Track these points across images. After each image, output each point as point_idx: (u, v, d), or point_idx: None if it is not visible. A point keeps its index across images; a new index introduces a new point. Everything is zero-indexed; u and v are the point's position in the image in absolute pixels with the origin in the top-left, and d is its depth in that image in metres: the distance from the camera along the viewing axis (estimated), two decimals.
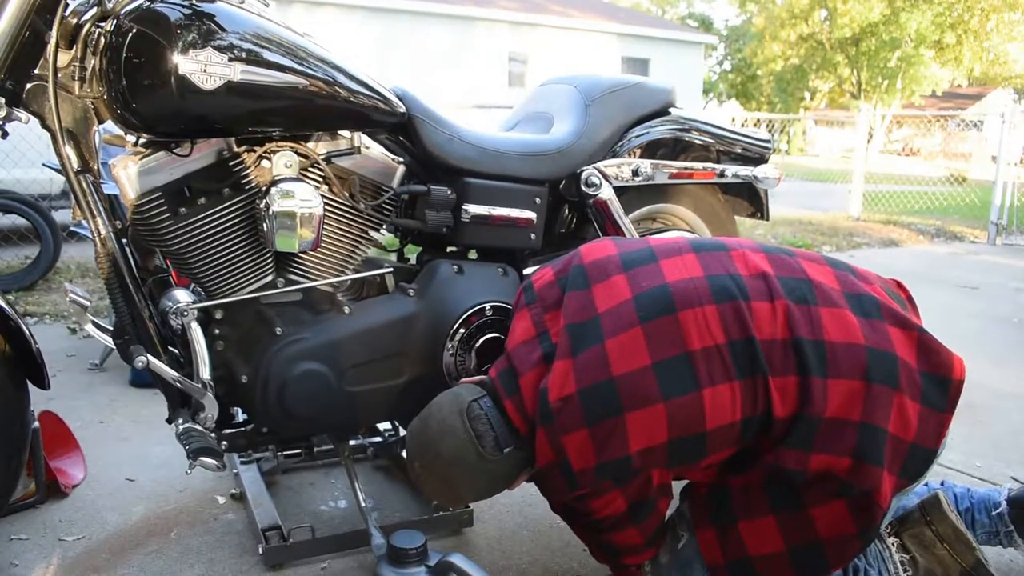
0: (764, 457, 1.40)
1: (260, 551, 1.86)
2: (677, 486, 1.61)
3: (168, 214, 1.58)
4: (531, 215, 1.93)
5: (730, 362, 1.36)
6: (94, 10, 1.55)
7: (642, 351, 1.36)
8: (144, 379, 3.04)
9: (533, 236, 1.95)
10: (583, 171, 1.98)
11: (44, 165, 4.58)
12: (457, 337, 1.81)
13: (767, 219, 2.41)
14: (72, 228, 3.97)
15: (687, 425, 1.35)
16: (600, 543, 1.60)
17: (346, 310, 1.77)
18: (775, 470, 1.39)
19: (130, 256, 1.67)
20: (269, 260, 1.70)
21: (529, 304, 1.55)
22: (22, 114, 1.55)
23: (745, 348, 1.37)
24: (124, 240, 1.66)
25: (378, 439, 2.21)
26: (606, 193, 1.99)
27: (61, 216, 5.25)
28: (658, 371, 1.35)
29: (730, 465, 1.47)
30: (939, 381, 1.44)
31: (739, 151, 2.22)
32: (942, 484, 1.78)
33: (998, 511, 1.72)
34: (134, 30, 1.45)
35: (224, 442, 1.77)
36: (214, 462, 1.59)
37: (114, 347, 1.75)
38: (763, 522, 1.43)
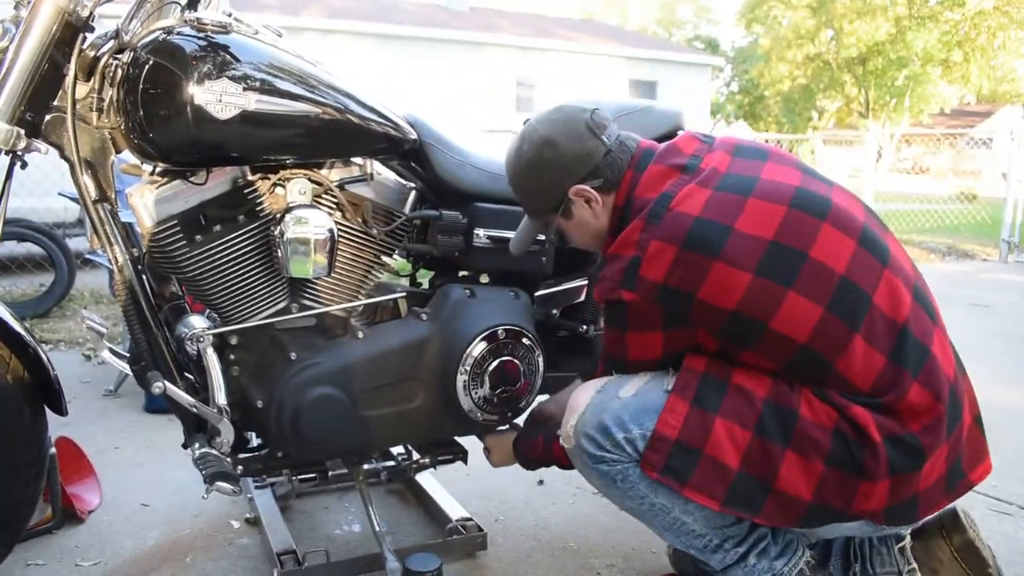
0: (801, 390, 1.41)
1: (275, 575, 1.87)
2: None
3: (184, 241, 1.60)
4: (542, 239, 1.94)
5: (833, 293, 1.38)
6: (111, 43, 1.59)
7: (772, 226, 1.40)
8: (158, 405, 3.05)
9: (544, 259, 1.97)
10: None
11: (60, 194, 4.62)
12: (470, 361, 1.82)
13: None
14: (87, 256, 4.00)
15: (756, 308, 1.38)
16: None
17: (360, 335, 1.78)
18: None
19: (146, 283, 1.69)
20: (283, 286, 1.72)
21: (702, 139, 1.60)
22: (41, 145, 1.58)
23: (852, 295, 1.39)
24: (140, 267, 1.69)
25: (391, 463, 2.21)
26: None
27: (75, 244, 5.30)
28: (770, 249, 1.38)
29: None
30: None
31: None
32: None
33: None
34: (150, 62, 1.48)
35: (239, 467, 1.78)
36: (230, 486, 1.60)
37: (130, 373, 1.77)
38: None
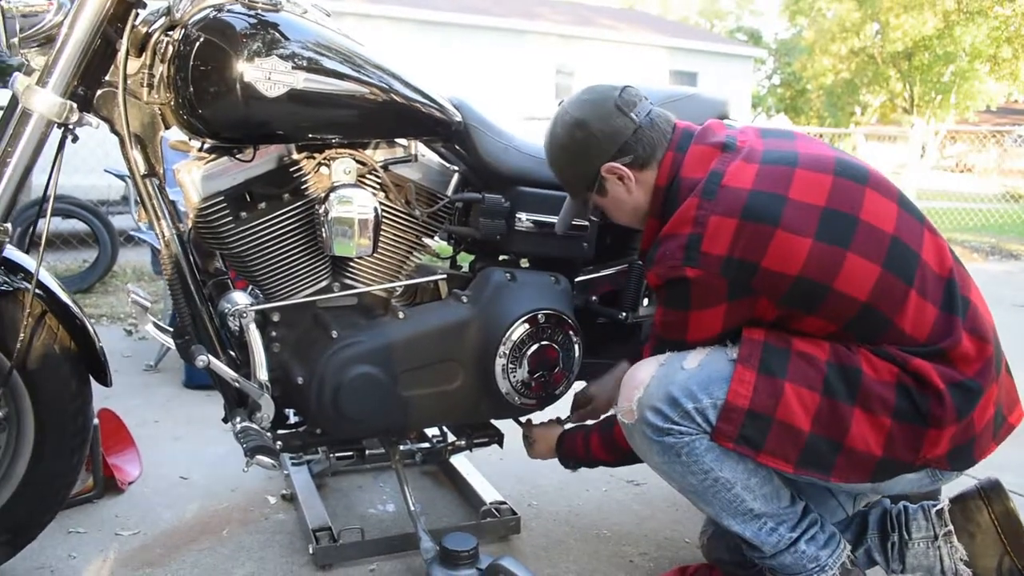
0: (859, 350, 1.44)
1: (310, 551, 1.89)
2: None
3: (230, 218, 1.62)
4: (584, 224, 1.94)
5: (885, 252, 1.43)
6: (163, 19, 1.60)
7: (822, 194, 1.44)
8: (198, 381, 3.10)
9: (586, 245, 1.96)
10: None
11: (106, 171, 4.69)
12: (509, 344, 1.82)
13: None
14: (131, 233, 4.06)
15: (819, 271, 1.41)
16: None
17: (400, 315, 1.79)
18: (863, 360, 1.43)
19: (192, 258, 1.71)
20: (326, 264, 1.73)
21: (727, 125, 1.65)
22: (93, 119, 1.60)
23: (903, 253, 1.44)
24: (185, 242, 1.70)
25: (426, 445, 2.23)
26: None
27: (119, 221, 5.37)
28: (824, 215, 1.43)
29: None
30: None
31: None
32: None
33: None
34: (201, 39, 1.49)
35: (278, 442, 1.80)
36: (270, 460, 1.61)
37: (173, 347, 1.79)
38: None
